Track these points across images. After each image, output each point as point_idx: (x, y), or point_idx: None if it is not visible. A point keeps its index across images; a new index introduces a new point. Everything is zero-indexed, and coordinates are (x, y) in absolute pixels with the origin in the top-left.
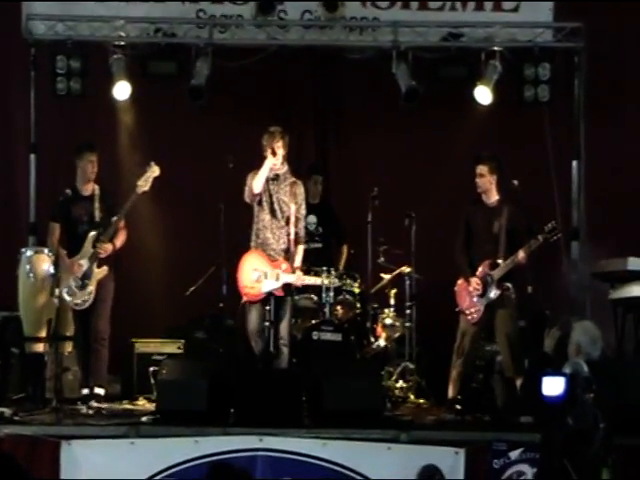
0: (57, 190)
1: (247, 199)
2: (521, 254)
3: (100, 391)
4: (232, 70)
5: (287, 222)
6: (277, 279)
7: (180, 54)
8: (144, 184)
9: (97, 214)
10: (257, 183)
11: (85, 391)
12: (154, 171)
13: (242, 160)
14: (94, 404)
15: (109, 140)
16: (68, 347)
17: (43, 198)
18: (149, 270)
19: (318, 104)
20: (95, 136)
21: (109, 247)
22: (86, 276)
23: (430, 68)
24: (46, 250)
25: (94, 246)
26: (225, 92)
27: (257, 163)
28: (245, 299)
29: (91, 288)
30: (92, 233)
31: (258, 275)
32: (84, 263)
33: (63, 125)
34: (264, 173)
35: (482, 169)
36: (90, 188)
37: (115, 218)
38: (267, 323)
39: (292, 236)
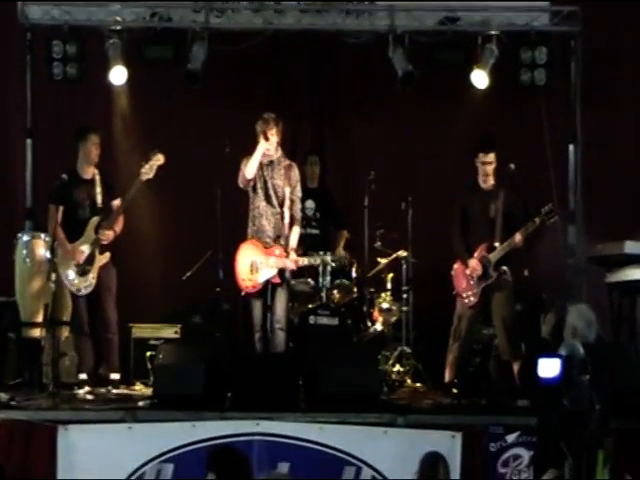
0: (53, 175)
1: (241, 185)
2: (518, 237)
3: (116, 376)
4: (228, 54)
5: (282, 206)
6: (272, 267)
7: (176, 38)
8: (148, 172)
9: (99, 199)
10: (250, 168)
11: (82, 376)
12: (159, 159)
13: (238, 144)
14: (112, 390)
15: (105, 125)
16: (65, 332)
17: (39, 183)
18: (146, 255)
19: (314, 88)
20: (91, 121)
21: (111, 233)
22: (88, 262)
23: (426, 52)
24: (43, 235)
25: (96, 232)
26: (221, 76)
27: (253, 148)
28: (244, 292)
29: (93, 274)
30: (94, 218)
31: (253, 266)
32: (86, 249)
33: (59, 110)
34: (257, 158)
35: (490, 157)
36: (91, 172)
37: (117, 204)
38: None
39: (287, 219)
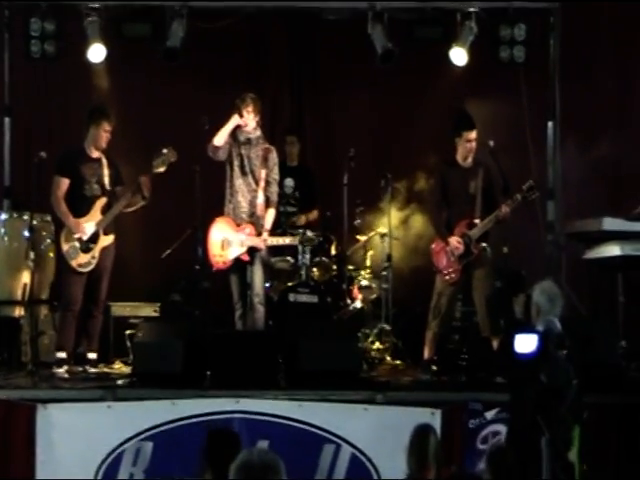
0: (32, 153)
1: (210, 153)
2: (505, 208)
3: (93, 356)
4: (207, 32)
5: (258, 185)
6: (241, 245)
7: (155, 16)
8: (161, 166)
9: (107, 181)
10: (219, 137)
11: (62, 354)
12: (172, 155)
13: (217, 121)
14: (89, 369)
15: (84, 102)
16: (44, 310)
17: (18, 161)
18: (124, 233)
19: (294, 66)
20: (70, 98)
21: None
22: (92, 240)
23: (406, 29)
24: (21, 213)
25: (103, 213)
26: (200, 54)
27: None
28: (215, 268)
29: (94, 254)
30: (102, 199)
31: (224, 243)
32: (90, 227)
33: (37, 88)
34: (227, 128)
35: (473, 134)
36: (98, 152)
37: (128, 194)
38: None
39: (260, 200)
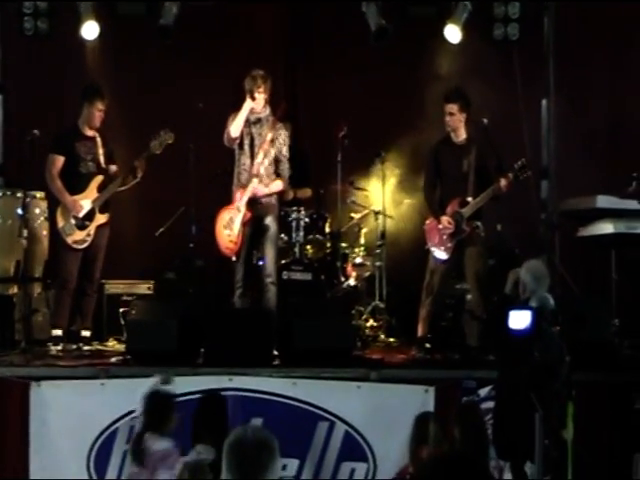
0: (25, 131)
1: (226, 143)
2: (503, 182)
3: (87, 333)
4: (201, 10)
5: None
6: (239, 209)
7: None
8: (157, 148)
9: (102, 160)
10: (235, 127)
11: (57, 332)
12: (169, 138)
13: (211, 100)
14: (83, 346)
15: (77, 80)
16: (37, 288)
17: (11, 139)
18: (118, 211)
19: (288, 44)
20: (63, 76)
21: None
22: (88, 217)
23: (400, 7)
24: (14, 191)
25: (99, 191)
26: (194, 32)
27: (225, 102)
28: (229, 254)
29: (89, 232)
30: (98, 177)
31: (228, 223)
32: (86, 204)
33: (30, 65)
34: (242, 117)
35: (452, 107)
36: (92, 131)
37: (131, 180)
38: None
39: (259, 160)
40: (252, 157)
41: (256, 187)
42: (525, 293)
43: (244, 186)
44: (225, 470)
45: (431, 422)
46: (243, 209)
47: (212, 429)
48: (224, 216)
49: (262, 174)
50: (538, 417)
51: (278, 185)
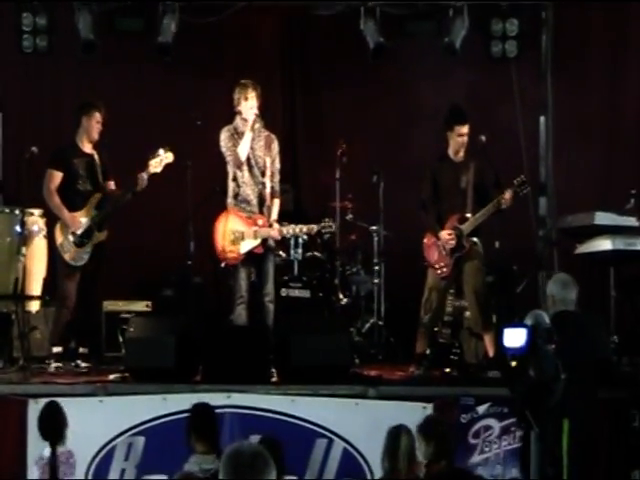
0: (24, 148)
1: (235, 168)
2: (508, 194)
3: (85, 350)
4: (200, 27)
5: (264, 176)
6: (255, 237)
7: (147, 10)
8: (157, 166)
9: (100, 177)
10: (242, 150)
11: (56, 349)
12: (168, 157)
13: (209, 116)
14: (81, 363)
15: (75, 97)
16: (35, 306)
17: (9, 156)
18: (116, 228)
19: (286, 61)
20: (62, 93)
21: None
22: (86, 235)
23: (398, 24)
24: (13, 208)
25: (97, 209)
26: (192, 48)
27: (223, 119)
28: (225, 263)
29: (88, 249)
30: (97, 195)
31: (236, 237)
32: (84, 221)
33: (30, 82)
34: (248, 139)
35: (466, 128)
36: (90, 147)
37: (127, 196)
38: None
39: (268, 190)
40: (249, 170)
41: (276, 234)
42: (554, 305)
43: (243, 204)
44: (222, 474)
45: (403, 435)
46: (259, 242)
47: (205, 437)
48: (232, 225)
49: (269, 205)
50: (533, 435)
51: (277, 205)
